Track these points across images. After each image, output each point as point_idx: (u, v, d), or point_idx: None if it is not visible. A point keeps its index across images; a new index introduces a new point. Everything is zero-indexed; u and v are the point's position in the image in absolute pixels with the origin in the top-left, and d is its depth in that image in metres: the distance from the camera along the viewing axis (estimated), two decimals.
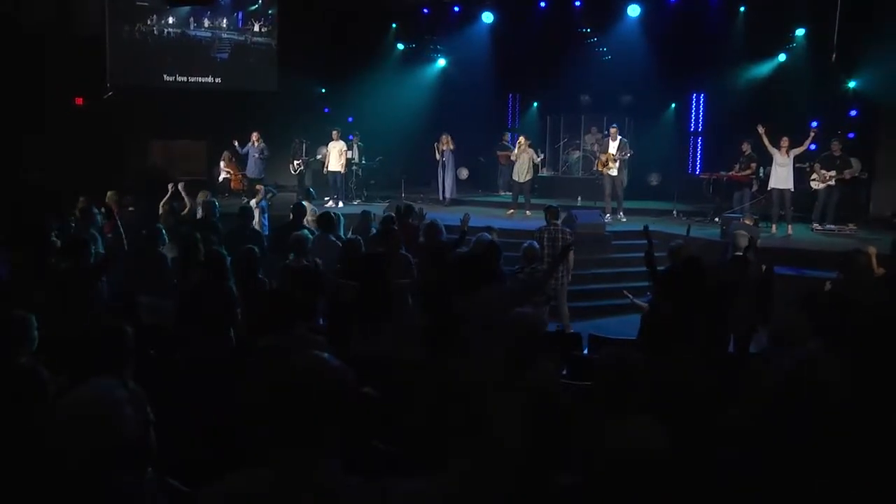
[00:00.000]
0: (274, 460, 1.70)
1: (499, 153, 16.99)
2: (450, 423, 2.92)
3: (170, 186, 10.25)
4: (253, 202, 10.37)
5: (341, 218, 8.24)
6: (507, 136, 17.50)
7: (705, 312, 4.35)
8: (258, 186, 12.09)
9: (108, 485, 1.91)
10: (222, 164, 15.70)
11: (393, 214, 8.25)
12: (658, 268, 6.41)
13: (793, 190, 12.11)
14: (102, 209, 8.26)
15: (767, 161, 12.81)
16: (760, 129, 11.92)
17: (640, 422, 2.69)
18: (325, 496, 1.65)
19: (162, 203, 10.28)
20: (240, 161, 15.61)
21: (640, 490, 2.51)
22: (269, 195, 11.50)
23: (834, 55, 13.38)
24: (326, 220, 7.64)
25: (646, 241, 6.80)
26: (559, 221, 9.35)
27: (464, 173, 17.44)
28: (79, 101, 16.87)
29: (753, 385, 2.76)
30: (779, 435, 2.29)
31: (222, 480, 1.77)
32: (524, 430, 2.43)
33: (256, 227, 9.46)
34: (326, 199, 14.70)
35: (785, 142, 11.90)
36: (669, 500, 2.54)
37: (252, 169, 15.29)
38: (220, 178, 15.76)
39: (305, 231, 6.70)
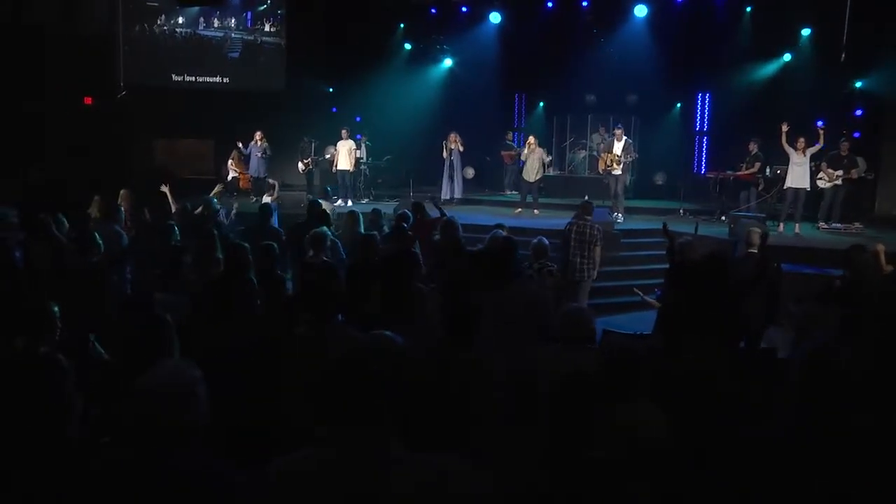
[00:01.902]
0: (336, 437, 1.79)
1: (503, 153, 17.09)
2: (475, 409, 3.04)
3: (163, 188, 10.35)
4: (268, 198, 10.48)
5: (360, 215, 8.39)
6: (511, 135, 17.59)
7: (724, 308, 4.45)
8: (271, 181, 12.21)
9: (179, 459, 2.02)
10: (231, 163, 15.82)
11: (408, 212, 8.36)
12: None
13: (808, 189, 12.21)
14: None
15: (775, 160, 12.93)
16: (784, 127, 12.01)
17: (639, 407, 2.80)
18: (388, 471, 1.75)
19: (172, 202, 10.41)
20: (245, 160, 15.76)
21: (637, 472, 2.61)
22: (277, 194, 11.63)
23: (843, 55, 13.48)
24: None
25: (666, 239, 6.90)
26: (591, 217, 9.40)
27: (469, 173, 17.53)
28: (88, 100, 17.01)
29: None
30: (798, 419, 2.38)
31: (284, 458, 1.86)
32: (558, 409, 2.54)
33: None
34: (335, 197, 14.79)
35: (801, 142, 11.98)
36: (665, 483, 2.64)
37: (254, 168, 15.45)
38: (229, 178, 15.88)
39: (324, 228, 6.81)
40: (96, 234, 6.23)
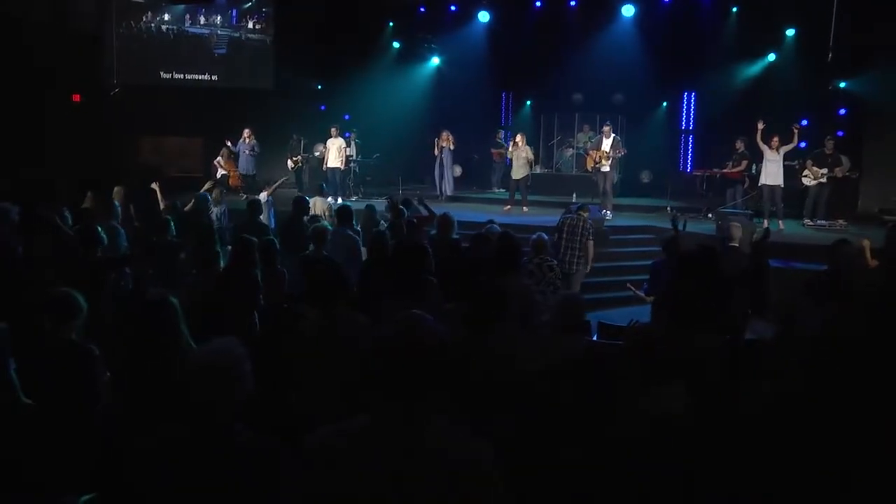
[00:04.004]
0: (376, 411, 1.89)
1: (492, 150, 17.22)
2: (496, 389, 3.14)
3: (153, 185, 10.41)
4: (263, 195, 10.55)
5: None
6: (501, 133, 17.72)
7: (716, 299, 4.59)
8: (275, 184, 12.25)
9: (230, 432, 2.12)
10: (221, 160, 15.80)
11: (402, 207, 8.46)
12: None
13: (783, 186, 12.47)
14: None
15: (760, 158, 13.14)
16: (760, 125, 12.31)
17: (664, 388, 2.92)
18: (428, 444, 1.85)
19: (161, 199, 10.47)
20: (234, 158, 15.77)
21: (663, 450, 2.73)
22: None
23: (830, 55, 13.71)
24: (345, 214, 7.82)
25: (672, 231, 7.09)
26: (586, 214, 9.72)
27: (457, 170, 17.63)
28: (76, 97, 16.96)
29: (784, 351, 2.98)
30: (811, 392, 2.50)
31: (320, 431, 1.96)
32: (575, 388, 2.66)
33: (263, 220, 9.62)
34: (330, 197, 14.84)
35: (776, 140, 12.26)
36: (689, 459, 2.77)
37: (243, 165, 15.48)
38: (218, 175, 15.86)
39: (325, 223, 6.90)
40: (99, 229, 6.30)
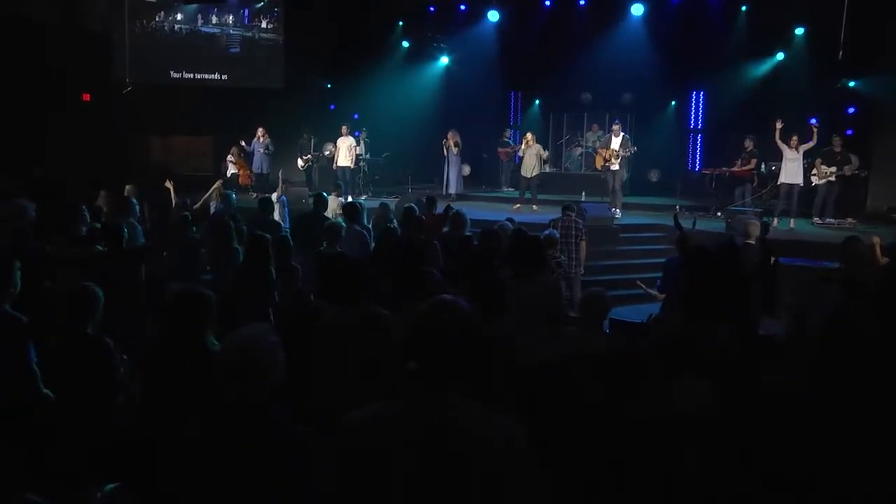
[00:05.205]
0: (409, 394, 1.94)
1: (500, 150, 17.26)
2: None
3: (167, 184, 10.54)
4: (274, 195, 10.64)
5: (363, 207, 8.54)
6: (508, 132, 17.75)
7: (733, 295, 4.64)
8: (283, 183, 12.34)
9: (267, 415, 2.18)
10: (231, 158, 15.90)
11: (415, 206, 8.53)
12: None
13: (801, 185, 12.48)
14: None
15: (769, 157, 13.14)
16: (778, 124, 12.33)
17: (689, 381, 2.97)
18: (461, 426, 1.90)
19: (173, 197, 10.60)
20: (248, 157, 15.86)
21: (688, 442, 2.78)
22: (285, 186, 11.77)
23: (841, 53, 13.72)
24: (353, 211, 7.90)
25: (677, 230, 7.13)
26: (573, 214, 9.68)
27: (466, 170, 17.68)
28: (86, 97, 17.05)
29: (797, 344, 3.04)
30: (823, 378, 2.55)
31: (349, 414, 2.01)
32: (600, 381, 2.71)
33: (276, 218, 9.71)
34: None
35: (794, 139, 12.28)
36: (714, 451, 2.81)
37: (257, 164, 15.59)
38: (229, 174, 15.96)
39: (339, 220, 6.97)
40: (123, 227, 6.38)
